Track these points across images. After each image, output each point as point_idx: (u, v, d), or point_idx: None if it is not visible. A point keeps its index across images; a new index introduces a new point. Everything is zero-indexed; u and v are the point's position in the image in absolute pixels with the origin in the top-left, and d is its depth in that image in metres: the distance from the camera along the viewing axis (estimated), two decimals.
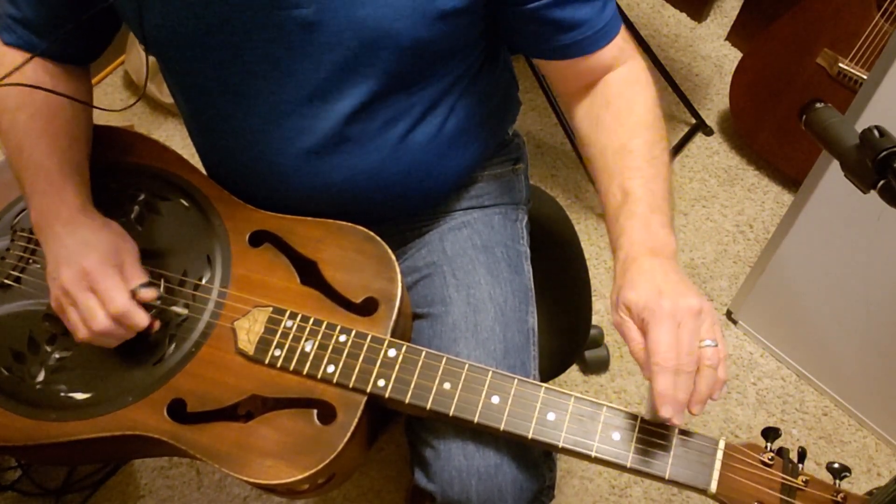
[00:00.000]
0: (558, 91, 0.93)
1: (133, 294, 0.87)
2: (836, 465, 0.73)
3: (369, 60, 0.82)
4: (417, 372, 0.81)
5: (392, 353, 0.83)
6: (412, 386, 0.81)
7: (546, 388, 0.80)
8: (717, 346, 0.71)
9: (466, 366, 0.81)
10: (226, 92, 0.88)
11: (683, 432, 0.76)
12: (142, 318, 0.86)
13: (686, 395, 0.69)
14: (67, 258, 0.86)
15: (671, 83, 1.92)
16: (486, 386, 0.80)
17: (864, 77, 1.53)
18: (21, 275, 0.96)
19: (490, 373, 0.81)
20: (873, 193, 0.67)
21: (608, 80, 0.88)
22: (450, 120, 0.93)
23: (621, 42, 0.87)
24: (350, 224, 0.92)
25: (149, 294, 0.88)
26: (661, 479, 0.75)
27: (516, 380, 0.80)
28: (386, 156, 0.91)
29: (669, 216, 0.80)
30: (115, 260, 0.87)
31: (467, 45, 0.89)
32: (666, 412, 0.69)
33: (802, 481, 0.72)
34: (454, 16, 0.81)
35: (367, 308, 0.87)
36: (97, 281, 0.84)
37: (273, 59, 0.83)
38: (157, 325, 0.88)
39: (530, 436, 0.77)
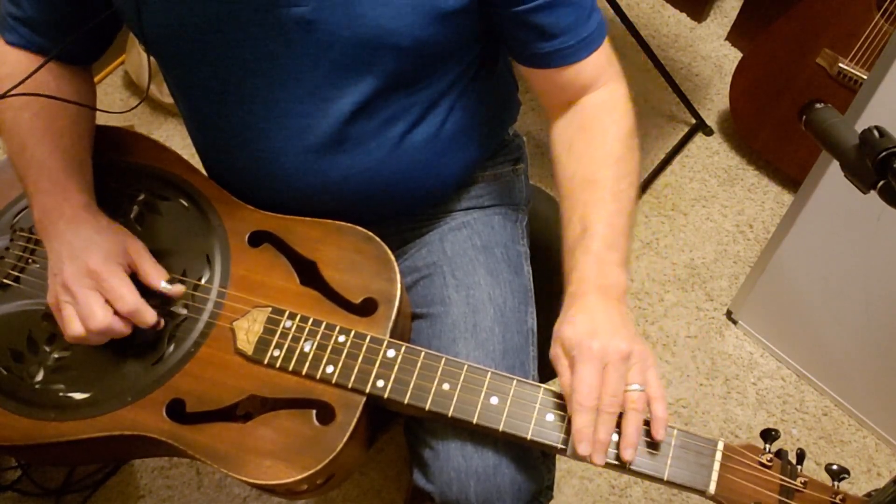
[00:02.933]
0: (542, 104, 0.94)
1: (162, 291, 0.88)
2: (834, 467, 0.73)
3: (367, 59, 0.82)
4: (416, 372, 0.81)
5: (391, 353, 0.83)
6: (411, 386, 0.81)
7: (545, 388, 0.80)
8: (642, 391, 0.73)
9: (465, 366, 0.81)
10: (224, 91, 0.88)
11: (683, 433, 0.76)
12: (151, 316, 0.86)
13: (606, 436, 0.72)
14: (71, 255, 0.86)
15: (671, 83, 1.92)
16: (485, 387, 0.80)
17: (864, 77, 1.53)
18: (20, 274, 0.96)
19: (489, 373, 0.81)
20: (873, 193, 0.67)
21: (586, 102, 0.89)
22: (449, 119, 0.93)
23: (605, 61, 0.88)
24: (349, 224, 0.92)
25: (177, 290, 0.89)
26: (659, 480, 0.75)
27: (515, 380, 0.80)
28: (385, 155, 0.91)
29: (625, 254, 0.82)
30: (120, 259, 0.87)
31: (466, 45, 0.89)
32: (582, 449, 0.72)
33: (801, 482, 0.72)
34: (453, 15, 0.81)
35: (367, 308, 0.87)
36: (105, 279, 0.84)
37: (271, 57, 0.83)
38: (163, 323, 0.89)
39: (529, 437, 0.77)
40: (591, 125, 0.87)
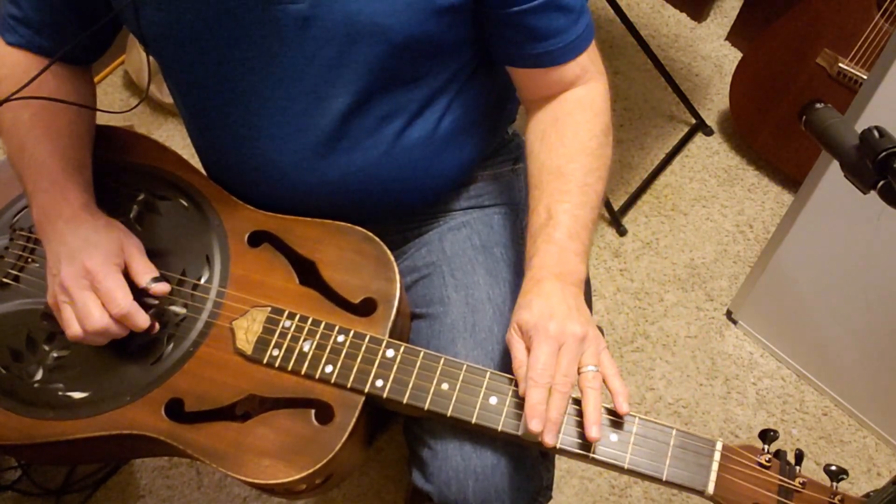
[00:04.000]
0: (520, 97, 0.96)
1: (146, 289, 0.87)
2: (833, 468, 0.73)
3: (362, 56, 0.82)
4: (415, 372, 0.81)
5: (390, 353, 0.83)
6: (410, 386, 0.81)
7: None
8: (597, 370, 0.75)
9: (464, 366, 0.81)
10: (223, 89, 0.88)
11: (681, 433, 0.76)
12: (143, 319, 0.86)
13: (559, 415, 0.74)
14: (69, 255, 0.86)
15: (671, 83, 1.92)
16: (483, 387, 0.80)
17: (864, 77, 1.53)
18: (20, 273, 0.96)
19: (488, 373, 0.81)
20: (873, 193, 0.67)
21: (564, 97, 0.90)
22: (446, 117, 0.93)
23: (588, 60, 0.89)
24: (349, 224, 0.92)
25: (161, 288, 0.88)
26: (658, 480, 0.75)
27: (514, 380, 0.80)
28: (382, 153, 0.91)
29: (587, 245, 0.84)
30: (117, 259, 0.87)
31: (462, 43, 0.89)
32: (534, 426, 0.73)
33: (799, 483, 0.72)
34: (448, 12, 0.82)
35: (366, 308, 0.87)
36: (99, 280, 0.84)
37: (269, 55, 0.83)
38: (157, 327, 0.88)
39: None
40: (566, 119, 0.89)
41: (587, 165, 0.86)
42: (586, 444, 0.76)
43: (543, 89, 0.91)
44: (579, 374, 0.76)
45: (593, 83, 0.91)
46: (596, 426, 0.74)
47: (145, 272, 0.88)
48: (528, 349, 0.77)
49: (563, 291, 0.79)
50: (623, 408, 0.76)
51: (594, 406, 0.75)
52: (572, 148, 0.87)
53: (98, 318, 0.83)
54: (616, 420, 0.77)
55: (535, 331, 0.76)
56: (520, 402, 0.78)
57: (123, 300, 0.84)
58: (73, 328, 0.84)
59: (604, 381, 0.77)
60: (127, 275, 0.88)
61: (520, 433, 0.77)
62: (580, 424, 0.76)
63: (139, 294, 0.87)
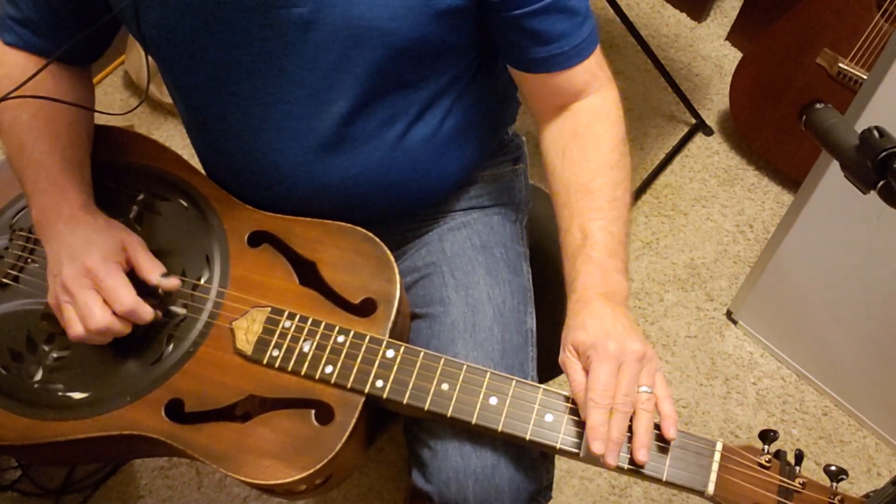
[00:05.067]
0: (531, 108, 0.94)
1: (156, 285, 0.88)
2: (832, 468, 0.73)
3: (363, 60, 0.82)
4: (415, 373, 0.81)
5: (390, 353, 0.83)
6: (410, 387, 0.81)
7: (544, 389, 0.80)
8: (651, 392, 0.74)
9: (464, 367, 0.81)
10: (223, 92, 0.87)
11: (681, 434, 0.76)
12: (148, 313, 0.86)
13: (619, 435, 0.72)
14: (70, 255, 0.86)
15: (671, 83, 1.92)
16: (483, 387, 0.80)
17: (864, 77, 1.53)
18: (20, 274, 0.96)
19: (488, 374, 0.81)
20: (873, 193, 0.67)
21: (578, 108, 0.89)
22: (447, 119, 0.93)
23: (596, 67, 0.88)
24: (349, 225, 0.92)
25: (172, 283, 0.88)
26: (658, 480, 0.75)
27: (514, 381, 0.80)
28: (383, 155, 0.91)
29: (625, 260, 0.83)
30: (118, 257, 0.87)
31: (463, 46, 0.89)
32: (596, 448, 0.72)
33: (799, 483, 0.72)
34: (449, 15, 0.81)
35: (366, 308, 0.87)
36: (101, 279, 0.84)
37: (269, 58, 0.83)
38: (160, 315, 0.89)
39: (528, 437, 0.77)
40: (585, 132, 0.88)
41: (614, 179, 0.85)
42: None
43: (555, 97, 0.89)
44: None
45: (605, 91, 0.89)
46: (644, 449, 0.73)
47: (154, 268, 0.89)
48: (585, 370, 0.75)
49: (615, 311, 0.78)
50: (669, 433, 0.74)
51: (646, 429, 0.73)
52: (597, 163, 0.86)
53: (100, 317, 0.83)
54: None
55: (593, 350, 0.75)
56: (519, 402, 0.79)
57: (127, 297, 0.85)
58: (75, 328, 0.84)
59: (655, 403, 0.75)
60: (128, 273, 0.88)
61: (582, 454, 0.76)
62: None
63: (139, 291, 0.87)
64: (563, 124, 0.90)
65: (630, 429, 0.74)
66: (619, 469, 0.75)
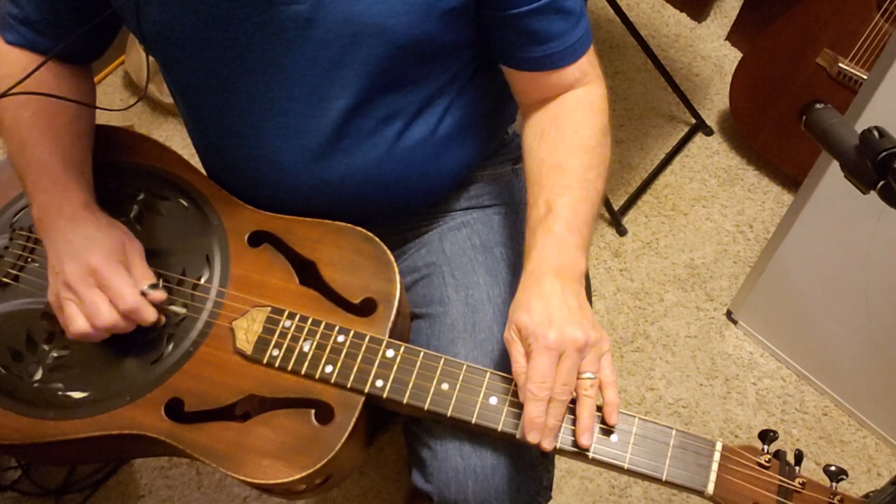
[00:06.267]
0: (517, 100, 0.95)
1: (143, 294, 0.87)
2: (832, 468, 0.73)
3: (363, 57, 0.82)
4: (415, 372, 0.81)
5: (390, 353, 0.83)
6: (410, 386, 0.81)
7: None
8: (595, 377, 0.75)
9: (464, 366, 0.81)
10: (223, 90, 0.88)
11: (681, 433, 0.76)
12: (150, 314, 0.86)
13: (556, 422, 0.74)
14: (72, 253, 0.86)
15: (671, 83, 1.92)
16: (483, 386, 0.80)
17: (864, 77, 1.53)
18: (20, 273, 0.96)
19: (488, 373, 0.81)
20: (873, 193, 0.67)
21: (564, 97, 0.90)
22: (446, 118, 0.93)
23: (587, 64, 0.89)
24: (349, 224, 0.92)
25: (158, 295, 0.88)
26: (658, 480, 0.75)
27: (514, 381, 0.80)
28: (383, 154, 0.91)
29: (587, 239, 0.83)
30: (120, 256, 0.88)
31: (463, 44, 0.89)
32: (532, 437, 0.73)
33: (799, 483, 0.73)
34: (449, 14, 0.82)
35: (366, 308, 0.87)
36: (105, 277, 0.85)
37: (269, 56, 0.83)
38: (163, 319, 0.89)
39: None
40: (565, 117, 0.89)
41: (587, 162, 0.86)
42: (587, 446, 0.76)
43: (542, 92, 0.90)
44: (578, 379, 0.75)
45: (592, 85, 0.90)
46: (588, 433, 0.74)
47: (142, 278, 0.88)
48: (528, 354, 0.76)
49: (564, 290, 0.78)
50: (612, 419, 0.76)
51: (588, 413, 0.75)
52: (572, 144, 0.87)
53: (107, 315, 0.84)
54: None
55: (534, 339, 0.75)
56: (520, 404, 0.78)
57: (131, 296, 0.85)
58: (77, 325, 0.84)
59: (600, 387, 0.76)
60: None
61: (518, 436, 0.77)
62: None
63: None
64: (546, 111, 0.90)
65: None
66: (620, 468, 0.75)
